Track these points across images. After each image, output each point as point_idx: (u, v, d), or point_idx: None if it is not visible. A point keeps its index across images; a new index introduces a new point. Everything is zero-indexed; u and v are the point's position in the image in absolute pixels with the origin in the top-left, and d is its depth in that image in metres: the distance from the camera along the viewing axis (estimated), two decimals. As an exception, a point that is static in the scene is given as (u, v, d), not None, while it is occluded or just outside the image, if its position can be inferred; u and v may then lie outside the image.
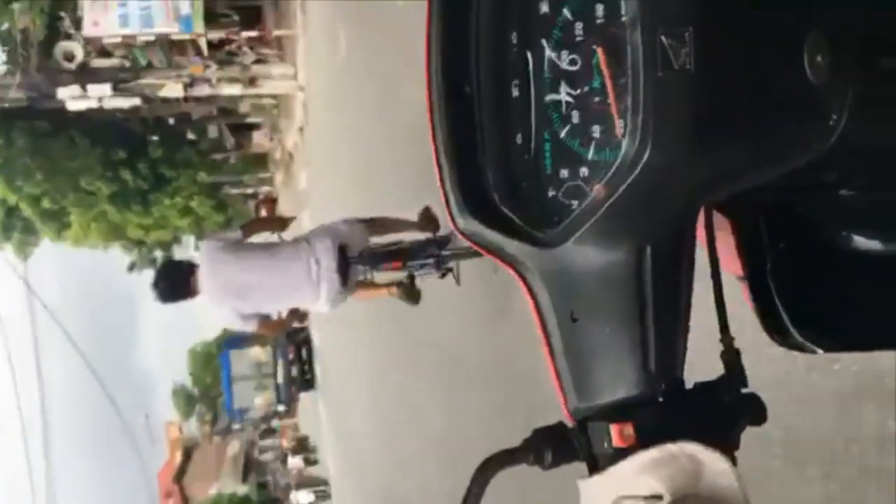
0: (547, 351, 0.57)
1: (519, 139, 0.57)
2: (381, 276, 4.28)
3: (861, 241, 0.69)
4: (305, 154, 16.58)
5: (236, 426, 49.14)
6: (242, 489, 41.31)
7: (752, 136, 0.52)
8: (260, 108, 21.83)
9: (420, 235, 4.25)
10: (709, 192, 0.55)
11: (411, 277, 4.30)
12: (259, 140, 32.38)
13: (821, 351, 0.69)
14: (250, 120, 25.87)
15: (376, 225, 4.22)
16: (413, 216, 4.37)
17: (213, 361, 62.14)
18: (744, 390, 0.57)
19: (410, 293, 4.70)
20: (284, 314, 4.48)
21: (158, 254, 36.95)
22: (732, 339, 0.60)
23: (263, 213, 35.10)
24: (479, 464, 0.54)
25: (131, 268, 35.85)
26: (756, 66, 0.51)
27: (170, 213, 28.01)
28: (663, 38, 0.46)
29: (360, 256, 3.92)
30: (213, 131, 24.88)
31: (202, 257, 3.85)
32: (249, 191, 38.35)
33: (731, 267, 0.70)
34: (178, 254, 34.30)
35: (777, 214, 0.70)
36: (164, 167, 22.54)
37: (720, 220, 0.67)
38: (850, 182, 0.66)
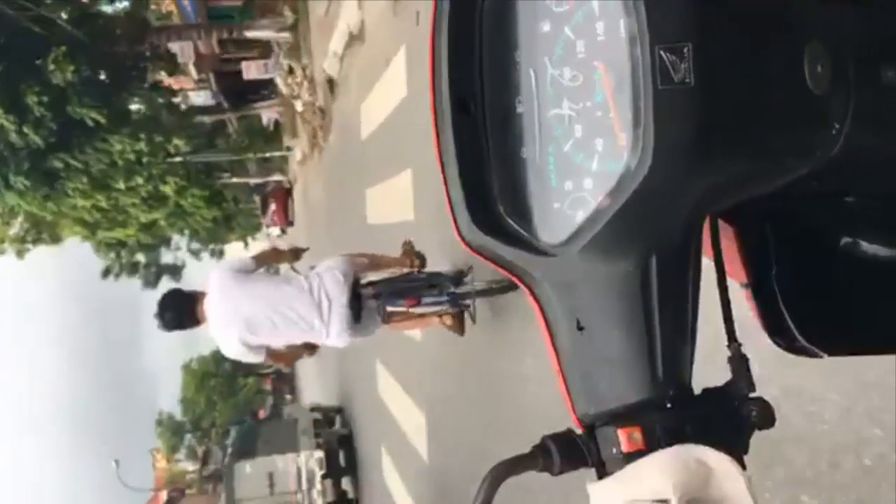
0: (555, 360, 0.58)
1: (524, 153, 0.58)
2: (395, 310, 3.86)
3: (865, 247, 0.70)
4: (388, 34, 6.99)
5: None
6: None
7: (754, 147, 0.53)
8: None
9: (434, 269, 4.03)
10: (712, 202, 0.56)
11: (462, 308, 3.88)
12: (264, 110, 22.61)
13: (825, 356, 0.70)
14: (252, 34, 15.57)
15: (366, 261, 4.02)
16: (396, 253, 4.25)
17: (208, 381, 53.04)
18: (752, 395, 0.58)
19: (461, 323, 4.08)
20: (296, 344, 4.03)
21: (141, 257, 29.98)
22: (739, 344, 0.60)
23: (273, 206, 26.35)
24: (488, 470, 0.54)
25: (105, 274, 29.97)
26: (756, 78, 0.52)
27: (127, 201, 17.89)
28: (662, 52, 0.47)
29: (373, 290, 3.78)
30: (184, 54, 14.82)
31: (211, 286, 3.60)
32: (256, 180, 29.14)
33: (734, 273, 0.71)
34: (168, 257, 30.79)
35: (781, 221, 0.71)
36: (82, 108, 11.92)
37: (724, 227, 0.68)
38: (854, 189, 0.68)
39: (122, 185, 15.60)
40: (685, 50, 0.47)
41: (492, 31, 0.58)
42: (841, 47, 0.56)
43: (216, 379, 53.07)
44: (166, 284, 33.61)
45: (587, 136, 0.53)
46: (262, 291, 3.58)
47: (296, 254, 4.14)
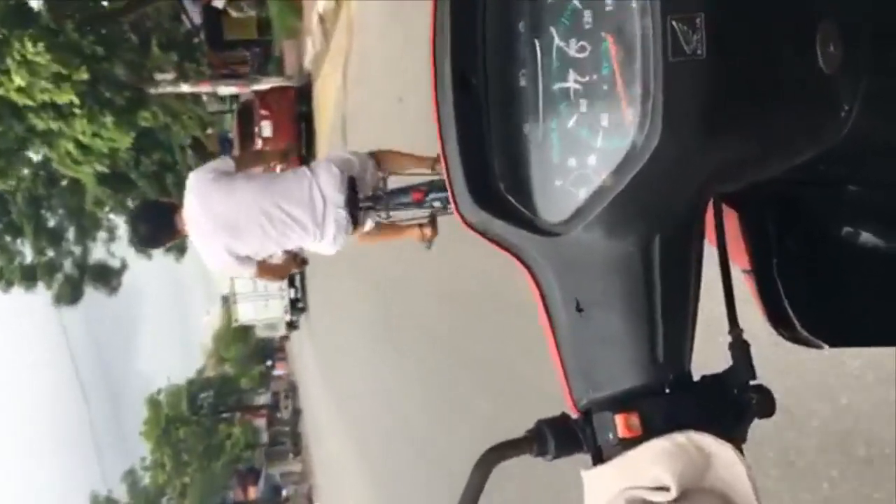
0: (552, 342, 0.57)
1: (526, 129, 0.57)
2: (397, 216, 3.52)
3: (867, 238, 0.69)
4: None
5: None
6: None
7: (763, 125, 0.52)
8: None
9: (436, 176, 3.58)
10: (719, 183, 0.55)
11: (433, 217, 3.54)
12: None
13: (826, 346, 0.70)
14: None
15: (386, 160, 3.54)
16: (429, 152, 3.61)
17: (176, 430, 36.52)
18: (752, 382, 0.57)
19: (433, 232, 3.67)
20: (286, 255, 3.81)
21: (51, 253, 19.32)
22: (741, 330, 0.60)
23: (264, 127, 10.98)
24: (480, 454, 0.54)
25: (58, 300, 19.87)
26: (768, 54, 0.51)
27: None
28: (674, 23, 0.46)
29: (372, 196, 3.39)
30: None
31: (188, 191, 3.21)
32: (227, 90, 13.64)
33: (737, 259, 0.69)
34: (100, 252, 21.73)
35: (785, 208, 0.70)
36: None
37: (727, 212, 0.67)
38: (859, 177, 0.67)
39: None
40: (697, 20, 0.46)
41: (495, 1, 0.56)
42: (854, 29, 0.55)
43: (186, 428, 36.46)
44: (95, 298, 21.46)
45: (592, 110, 0.51)
46: (247, 192, 3.19)
47: (283, 154, 3.88)
